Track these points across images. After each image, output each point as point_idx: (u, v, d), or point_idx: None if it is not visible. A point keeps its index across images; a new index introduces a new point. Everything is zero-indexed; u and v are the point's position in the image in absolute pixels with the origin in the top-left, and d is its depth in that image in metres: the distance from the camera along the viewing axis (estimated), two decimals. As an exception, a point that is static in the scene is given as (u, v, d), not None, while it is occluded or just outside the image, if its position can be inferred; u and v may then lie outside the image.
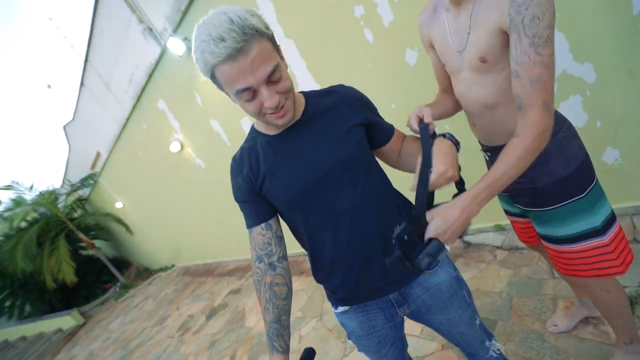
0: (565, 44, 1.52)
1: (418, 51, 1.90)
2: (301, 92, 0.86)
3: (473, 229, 2.36)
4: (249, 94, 0.66)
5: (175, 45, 3.01)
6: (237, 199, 0.86)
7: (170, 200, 5.74)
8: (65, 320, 7.88)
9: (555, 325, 1.40)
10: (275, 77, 0.66)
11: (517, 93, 0.70)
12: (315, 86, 2.46)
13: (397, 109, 2.17)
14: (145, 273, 9.09)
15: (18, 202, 8.85)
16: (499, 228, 2.21)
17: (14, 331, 8.55)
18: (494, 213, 2.19)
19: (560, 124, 0.88)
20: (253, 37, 0.61)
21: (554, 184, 0.87)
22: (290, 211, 0.83)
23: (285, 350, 0.77)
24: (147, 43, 3.64)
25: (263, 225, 0.83)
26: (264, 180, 0.80)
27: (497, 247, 2.11)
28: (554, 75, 0.70)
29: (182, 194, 5.26)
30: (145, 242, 8.38)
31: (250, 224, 0.84)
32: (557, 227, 0.92)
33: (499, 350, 0.96)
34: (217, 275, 5.26)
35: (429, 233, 0.69)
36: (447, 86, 1.03)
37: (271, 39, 0.67)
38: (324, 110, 0.81)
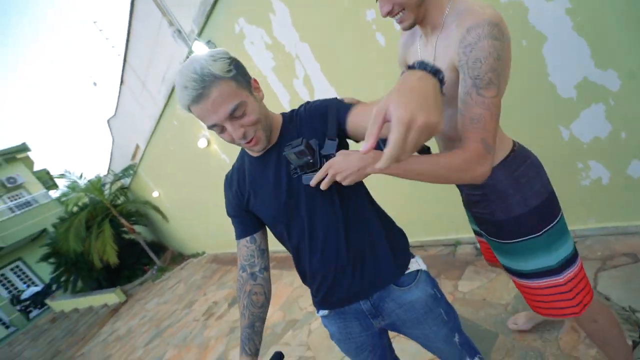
0: (587, 51, 1.42)
1: (429, 56, 1.85)
2: (282, 114, 0.92)
3: (487, 236, 2.30)
4: (217, 128, 0.76)
5: (200, 48, 3.15)
6: (228, 213, 0.97)
7: (199, 191, 6.07)
8: (110, 297, 8.70)
9: (515, 324, 1.49)
10: (238, 113, 0.73)
11: (460, 128, 0.72)
12: (329, 88, 2.49)
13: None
14: (179, 258, 9.72)
15: (73, 187, 9.78)
16: (514, 237, 2.13)
17: (68, 303, 9.60)
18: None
19: (521, 160, 0.88)
20: (212, 82, 0.69)
21: (511, 220, 0.88)
22: (272, 226, 0.93)
23: (254, 354, 0.84)
24: (177, 45, 3.83)
25: (248, 238, 0.92)
26: (249, 198, 0.90)
27: (510, 257, 2.05)
28: (497, 116, 0.70)
29: (210, 186, 5.54)
30: (179, 229, 8.93)
31: (237, 236, 0.94)
32: (515, 261, 0.93)
33: None
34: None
35: (328, 163, 0.72)
36: None
37: (236, 78, 0.73)
38: (295, 134, 0.85)
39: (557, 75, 1.52)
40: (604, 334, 0.98)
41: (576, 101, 1.53)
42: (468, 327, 1.71)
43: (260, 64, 2.91)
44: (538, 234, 0.87)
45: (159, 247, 11.48)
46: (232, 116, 0.73)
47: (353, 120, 0.77)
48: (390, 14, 0.78)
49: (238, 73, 0.74)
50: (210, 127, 0.75)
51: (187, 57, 3.79)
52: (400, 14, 0.78)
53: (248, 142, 0.78)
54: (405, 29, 0.83)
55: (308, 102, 0.90)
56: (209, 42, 3.15)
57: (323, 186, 0.72)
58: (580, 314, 0.90)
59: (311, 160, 0.74)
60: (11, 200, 13.28)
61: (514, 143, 0.91)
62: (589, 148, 1.61)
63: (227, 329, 3.52)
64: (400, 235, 0.96)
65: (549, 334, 1.47)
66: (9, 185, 13.30)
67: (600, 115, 1.52)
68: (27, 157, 15.25)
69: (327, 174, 0.71)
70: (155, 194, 8.62)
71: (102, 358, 5.48)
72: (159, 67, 4.62)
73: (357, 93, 2.33)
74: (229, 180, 0.95)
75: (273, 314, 3.12)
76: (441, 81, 0.50)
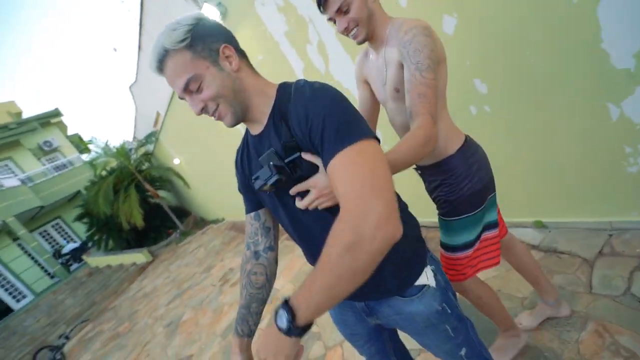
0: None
1: (457, 18, 1.61)
2: (279, 86, 0.75)
3: (510, 222, 2.12)
4: (185, 100, 0.71)
5: (210, 11, 2.96)
6: (238, 188, 0.92)
7: (219, 158, 6.10)
8: (138, 257, 9.30)
9: (520, 324, 1.44)
10: (193, 87, 0.67)
11: (408, 105, 0.89)
12: (345, 55, 2.28)
13: (431, 85, 1.93)
14: (201, 223, 10.11)
15: (105, 152, 10.16)
16: (540, 225, 1.96)
17: (102, 260, 10.38)
18: (536, 206, 1.94)
19: (473, 150, 1.07)
20: (164, 55, 0.65)
21: (461, 199, 1.05)
22: (271, 210, 0.86)
23: (247, 335, 0.82)
24: (188, 7, 3.65)
25: (253, 214, 0.88)
26: (250, 178, 0.82)
27: (534, 247, 1.88)
28: (436, 95, 0.88)
29: (228, 154, 5.52)
30: (200, 195, 9.20)
31: (246, 212, 0.90)
32: (451, 237, 1.12)
33: None
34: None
35: (309, 181, 0.70)
36: (368, 121, 1.19)
37: (192, 48, 0.65)
38: (280, 119, 0.70)
39: (613, 41, 1.26)
40: (489, 308, 1.27)
41: (634, 74, 1.28)
42: (478, 319, 1.61)
43: (272, 28, 2.71)
44: (473, 212, 1.06)
45: (182, 212, 11.98)
46: (188, 90, 0.67)
47: (329, 171, 0.59)
48: (346, 30, 0.97)
49: (196, 41, 0.65)
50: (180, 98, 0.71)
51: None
52: (355, 29, 0.98)
53: (214, 116, 0.71)
54: (359, 43, 1.02)
55: (313, 89, 0.67)
56: (219, 4, 2.95)
57: (308, 207, 0.71)
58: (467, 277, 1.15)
59: (284, 179, 0.69)
60: (49, 162, 14.11)
61: (466, 136, 1.09)
62: (642, 130, 1.37)
63: (239, 297, 3.64)
64: (415, 242, 0.81)
65: (568, 335, 1.35)
66: (45, 149, 14.04)
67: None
68: (61, 122, 15.92)
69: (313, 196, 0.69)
70: (176, 161, 8.83)
71: (130, 312, 5.93)
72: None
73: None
74: (237, 156, 0.88)
75: (284, 286, 3.16)
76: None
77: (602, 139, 1.48)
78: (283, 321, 0.54)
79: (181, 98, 0.71)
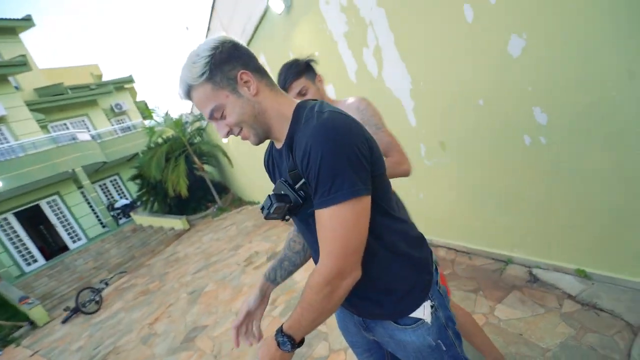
0: None
1: (526, 39, 1.50)
2: (297, 106, 0.75)
3: (547, 264, 1.96)
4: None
5: (276, 4, 3.05)
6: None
7: (262, 146, 6.31)
8: (177, 223, 9.99)
9: None
10: (217, 115, 0.72)
11: (384, 152, 1.19)
12: (400, 63, 2.23)
13: (485, 106, 1.83)
14: (238, 202, 10.58)
15: (165, 121, 10.99)
16: (582, 274, 1.78)
17: (146, 219, 11.31)
18: (582, 253, 1.77)
19: None
20: (189, 90, 0.71)
21: None
22: None
23: (270, 280, 0.97)
24: (258, -4, 3.79)
25: None
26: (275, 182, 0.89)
27: (569, 296, 1.73)
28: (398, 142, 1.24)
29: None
30: (241, 175, 9.61)
31: None
32: None
33: None
34: (290, 223, 5.78)
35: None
36: None
37: (212, 79, 0.69)
38: (289, 146, 0.72)
39: None
40: (466, 329, 1.35)
41: None
42: (492, 359, 1.53)
43: (332, 27, 2.72)
44: None
45: (223, 188, 12.60)
46: (213, 117, 0.72)
47: (317, 214, 0.67)
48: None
49: (215, 72, 0.68)
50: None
51: (264, 13, 3.75)
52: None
53: (240, 136, 0.76)
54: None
55: (320, 122, 0.66)
56: (286, -2, 3.02)
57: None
58: None
59: (286, 206, 0.74)
60: (117, 124, 15.62)
61: None
62: None
63: (259, 280, 3.78)
64: (416, 275, 0.79)
65: (590, 401, 1.23)
66: (116, 111, 15.56)
67: None
68: (132, 88, 17.52)
69: None
70: (225, 140, 9.27)
71: (161, 273, 6.44)
72: (241, 19, 4.67)
73: (431, 74, 2.05)
74: (265, 157, 0.91)
75: (305, 278, 3.23)
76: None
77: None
78: (287, 346, 0.72)
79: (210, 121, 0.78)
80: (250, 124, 0.72)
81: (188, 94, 0.71)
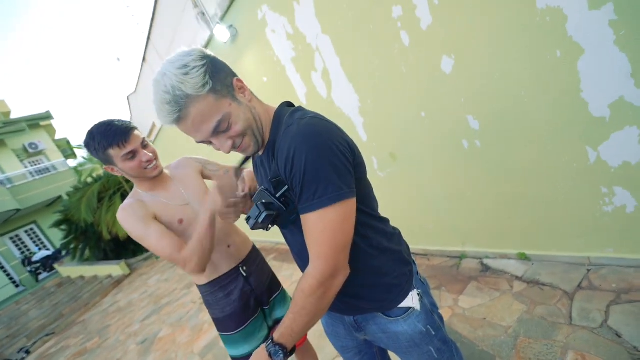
0: (627, 68, 1.32)
1: (454, 59, 1.77)
2: (277, 112, 0.77)
3: (494, 253, 2.21)
4: (207, 144, 0.71)
5: (221, 33, 3.11)
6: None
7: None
8: (115, 269, 8.91)
9: None
10: (223, 127, 0.66)
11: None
12: (347, 84, 2.42)
13: (427, 118, 2.06)
14: (185, 238, 9.85)
15: (91, 159, 10.00)
16: (523, 257, 2.04)
17: (75, 270, 9.90)
18: (520, 239, 2.03)
19: None
20: (187, 103, 0.62)
21: None
22: None
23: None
24: (200, 27, 3.81)
25: None
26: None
27: (517, 278, 1.96)
28: None
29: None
30: (187, 210, 9.03)
31: None
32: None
33: None
34: (268, 234, 5.55)
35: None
36: None
37: (214, 90, 0.64)
38: (271, 152, 0.74)
39: (591, 92, 1.42)
40: None
41: (608, 122, 1.43)
42: (464, 345, 1.65)
43: (279, 53, 2.86)
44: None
45: (167, 226, 11.66)
46: (217, 132, 0.66)
47: (302, 219, 0.67)
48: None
49: (215, 82, 0.64)
50: (199, 143, 0.71)
51: (208, 42, 3.77)
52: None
53: (238, 149, 0.73)
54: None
55: (300, 127, 0.66)
56: (230, 27, 3.11)
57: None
58: None
59: (275, 213, 0.72)
60: (31, 165, 13.73)
61: None
62: (617, 173, 1.51)
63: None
64: (401, 266, 0.83)
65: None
66: (30, 151, 13.72)
67: (634, 139, 1.42)
68: (50, 125, 15.67)
69: None
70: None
71: (101, 327, 5.62)
72: (181, 48, 4.62)
73: (376, 92, 2.26)
74: (253, 164, 0.90)
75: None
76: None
77: (583, 180, 1.61)
78: (280, 356, 0.69)
79: (201, 142, 0.69)
80: (254, 130, 0.71)
81: (184, 109, 0.62)
